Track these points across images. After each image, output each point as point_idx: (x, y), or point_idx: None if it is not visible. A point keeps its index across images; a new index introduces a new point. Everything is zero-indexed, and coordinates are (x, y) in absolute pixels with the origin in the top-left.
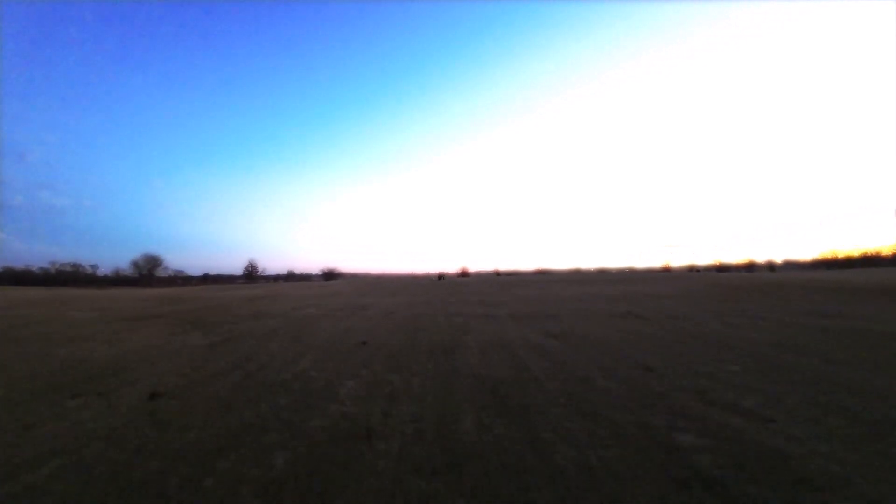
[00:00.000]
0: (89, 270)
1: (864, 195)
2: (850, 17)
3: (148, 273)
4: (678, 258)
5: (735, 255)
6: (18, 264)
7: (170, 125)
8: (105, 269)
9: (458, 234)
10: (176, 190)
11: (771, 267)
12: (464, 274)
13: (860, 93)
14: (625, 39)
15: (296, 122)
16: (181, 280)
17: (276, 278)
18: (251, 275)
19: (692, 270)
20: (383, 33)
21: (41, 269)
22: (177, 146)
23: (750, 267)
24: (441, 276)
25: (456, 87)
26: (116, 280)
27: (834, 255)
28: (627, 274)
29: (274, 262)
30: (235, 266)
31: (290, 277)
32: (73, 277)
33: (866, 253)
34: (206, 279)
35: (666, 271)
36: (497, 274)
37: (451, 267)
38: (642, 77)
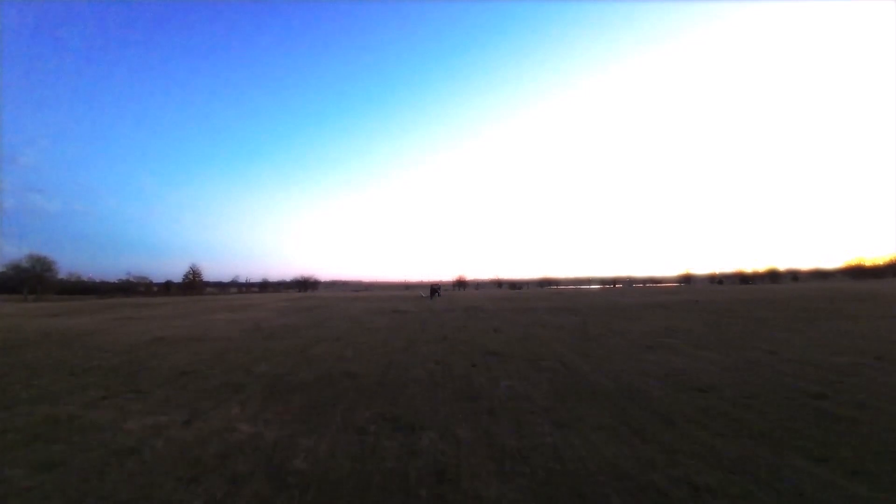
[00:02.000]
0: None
1: (883, 200)
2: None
3: (36, 279)
4: (696, 266)
5: (752, 264)
6: None
7: (163, 128)
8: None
9: (453, 239)
10: (167, 194)
11: (794, 276)
12: (461, 283)
13: (881, 95)
14: (641, 41)
15: (289, 124)
16: (143, 288)
17: (249, 286)
18: (192, 284)
19: (714, 280)
20: (372, 34)
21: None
22: (170, 149)
23: (774, 276)
24: (435, 290)
25: (459, 88)
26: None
27: (860, 263)
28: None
29: (264, 268)
30: (221, 273)
31: (264, 287)
32: None
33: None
34: (168, 289)
35: (686, 280)
36: (498, 284)
37: (447, 274)
38: (654, 78)
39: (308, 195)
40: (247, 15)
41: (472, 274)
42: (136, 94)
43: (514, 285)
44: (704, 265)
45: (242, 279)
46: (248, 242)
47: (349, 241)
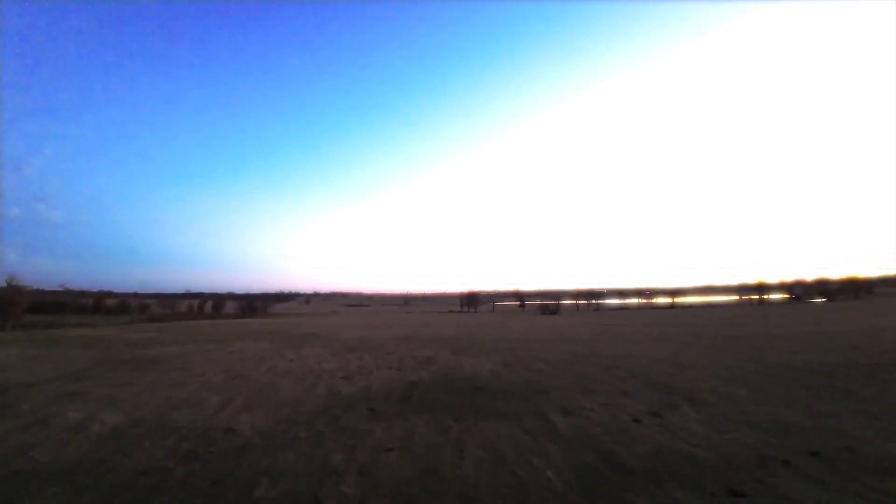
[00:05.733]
0: None
1: None
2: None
3: None
4: (765, 276)
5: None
6: None
7: (167, 138)
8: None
9: (462, 247)
10: (171, 205)
11: (869, 288)
12: (471, 298)
13: None
14: (678, 40)
15: (296, 135)
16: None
17: (199, 306)
18: (10, 306)
19: (791, 295)
20: (378, 43)
21: None
22: (174, 160)
23: (855, 287)
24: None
25: (466, 91)
26: None
27: None
28: None
29: (263, 279)
30: (226, 283)
31: (218, 307)
32: None
33: None
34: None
35: (761, 294)
36: (520, 300)
37: (454, 285)
38: (683, 82)
39: (309, 206)
40: (249, 19)
41: (483, 285)
42: (140, 102)
43: (547, 306)
44: (769, 273)
45: (197, 291)
46: (248, 251)
47: (352, 252)
